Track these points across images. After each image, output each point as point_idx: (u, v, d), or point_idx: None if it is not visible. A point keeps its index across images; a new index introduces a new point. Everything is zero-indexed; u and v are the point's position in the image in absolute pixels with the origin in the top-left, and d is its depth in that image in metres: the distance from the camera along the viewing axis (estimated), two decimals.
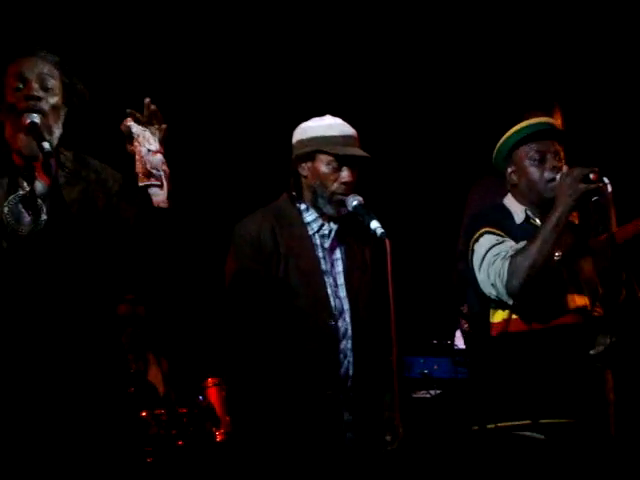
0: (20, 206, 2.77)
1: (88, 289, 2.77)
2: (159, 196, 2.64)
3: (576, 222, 3.57)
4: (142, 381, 5.44)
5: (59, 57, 2.87)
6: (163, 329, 5.80)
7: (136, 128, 2.64)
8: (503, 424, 3.19)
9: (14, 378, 2.67)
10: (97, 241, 2.79)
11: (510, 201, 3.35)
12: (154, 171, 2.63)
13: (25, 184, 2.79)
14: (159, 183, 2.64)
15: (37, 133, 2.71)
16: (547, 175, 3.25)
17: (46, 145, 2.69)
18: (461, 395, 4.80)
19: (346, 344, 3.28)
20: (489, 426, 3.21)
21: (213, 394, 5.43)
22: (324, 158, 3.33)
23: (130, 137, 2.63)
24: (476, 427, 3.24)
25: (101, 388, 2.74)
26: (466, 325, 4.81)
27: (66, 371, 2.70)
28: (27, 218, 2.76)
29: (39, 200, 2.78)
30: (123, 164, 2.85)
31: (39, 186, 2.81)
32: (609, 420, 3.20)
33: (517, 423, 3.16)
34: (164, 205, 2.63)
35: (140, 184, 2.62)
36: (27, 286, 2.70)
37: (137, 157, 2.63)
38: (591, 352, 3.17)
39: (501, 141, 3.35)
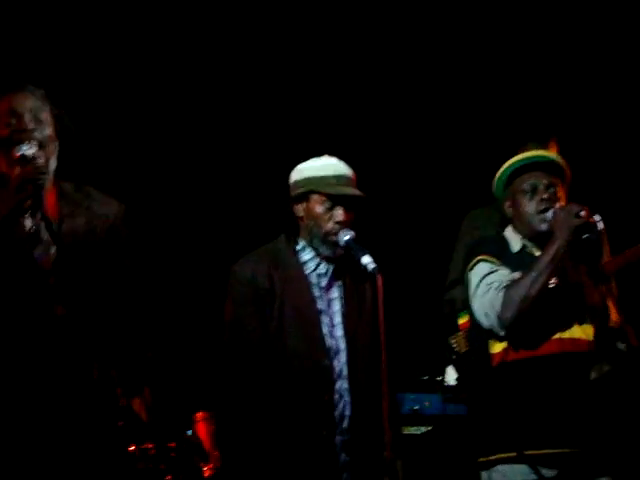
0: (29, 239, 2.77)
1: (90, 322, 2.79)
2: None
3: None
4: (129, 414, 5.37)
5: (45, 90, 2.88)
6: (152, 362, 5.75)
7: None
8: (495, 457, 3.17)
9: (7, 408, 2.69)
10: (99, 271, 2.83)
11: (509, 232, 3.40)
12: None
13: (28, 216, 2.79)
14: None
15: (28, 166, 2.71)
16: (538, 207, 3.28)
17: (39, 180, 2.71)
18: (451, 432, 4.77)
19: (342, 384, 3.26)
20: (481, 459, 3.20)
21: (202, 429, 5.37)
22: (317, 198, 3.33)
23: None
24: (482, 459, 3.23)
25: (92, 423, 2.81)
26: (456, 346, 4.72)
27: (60, 406, 2.74)
28: (39, 250, 2.77)
29: (46, 232, 2.78)
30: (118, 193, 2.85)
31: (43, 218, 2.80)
32: (612, 448, 3.19)
33: (505, 455, 3.16)
34: None
35: None
36: (41, 317, 2.73)
37: None
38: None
39: (497, 175, 3.40)
